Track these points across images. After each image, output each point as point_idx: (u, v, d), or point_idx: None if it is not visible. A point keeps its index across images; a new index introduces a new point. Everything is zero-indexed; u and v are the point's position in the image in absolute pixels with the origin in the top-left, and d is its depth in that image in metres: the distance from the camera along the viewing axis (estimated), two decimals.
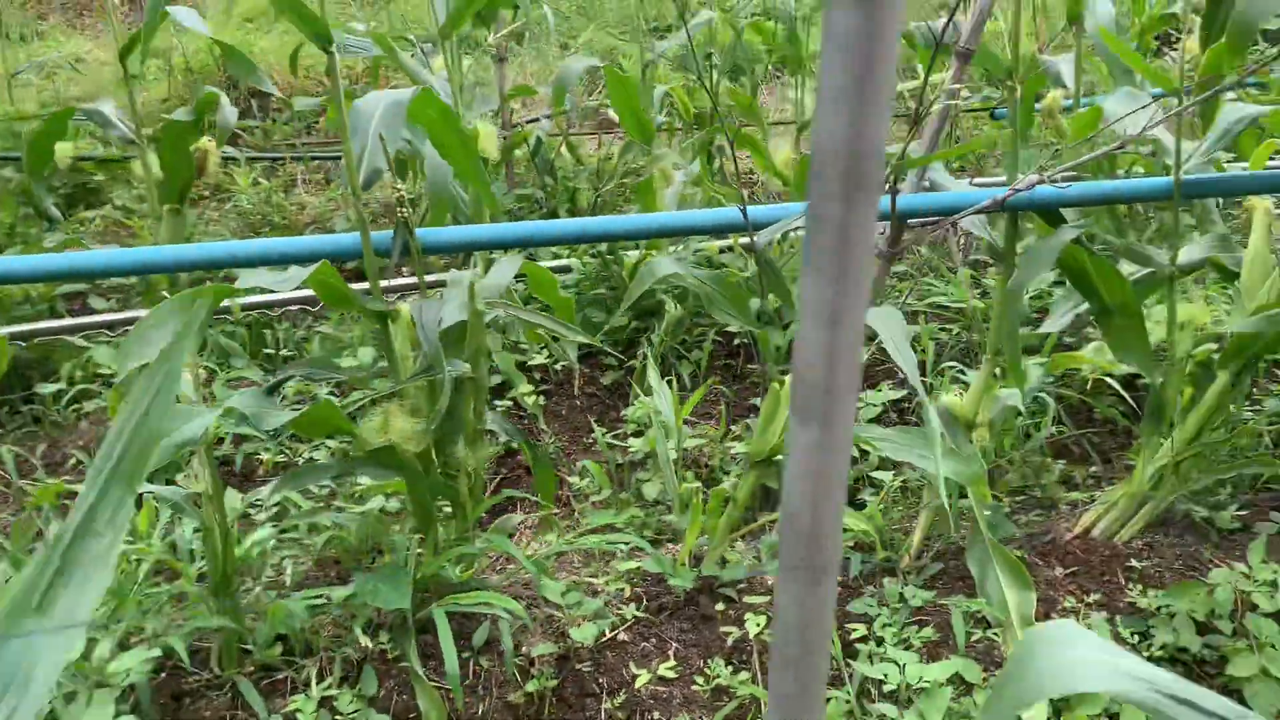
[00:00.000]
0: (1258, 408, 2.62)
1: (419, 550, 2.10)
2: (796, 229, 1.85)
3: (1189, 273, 2.20)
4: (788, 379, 2.08)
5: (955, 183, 2.19)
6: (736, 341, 3.12)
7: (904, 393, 2.90)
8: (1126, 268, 2.20)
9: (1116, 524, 2.27)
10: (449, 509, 2.13)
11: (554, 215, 3.70)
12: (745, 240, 2.03)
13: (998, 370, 2.22)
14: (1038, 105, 3.48)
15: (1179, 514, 2.31)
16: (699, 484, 2.14)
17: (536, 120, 3.84)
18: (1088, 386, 2.71)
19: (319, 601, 2.04)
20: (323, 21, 1.69)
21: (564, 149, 3.96)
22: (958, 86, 1.85)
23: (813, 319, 0.48)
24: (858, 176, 0.45)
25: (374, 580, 1.99)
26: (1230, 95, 4.14)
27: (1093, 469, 2.64)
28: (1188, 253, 2.17)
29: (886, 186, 1.89)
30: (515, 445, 2.83)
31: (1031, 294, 3.10)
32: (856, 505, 2.41)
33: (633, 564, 2.15)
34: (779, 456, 2.31)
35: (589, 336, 1.93)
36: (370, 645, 1.95)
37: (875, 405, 2.81)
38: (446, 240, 1.89)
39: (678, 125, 3.88)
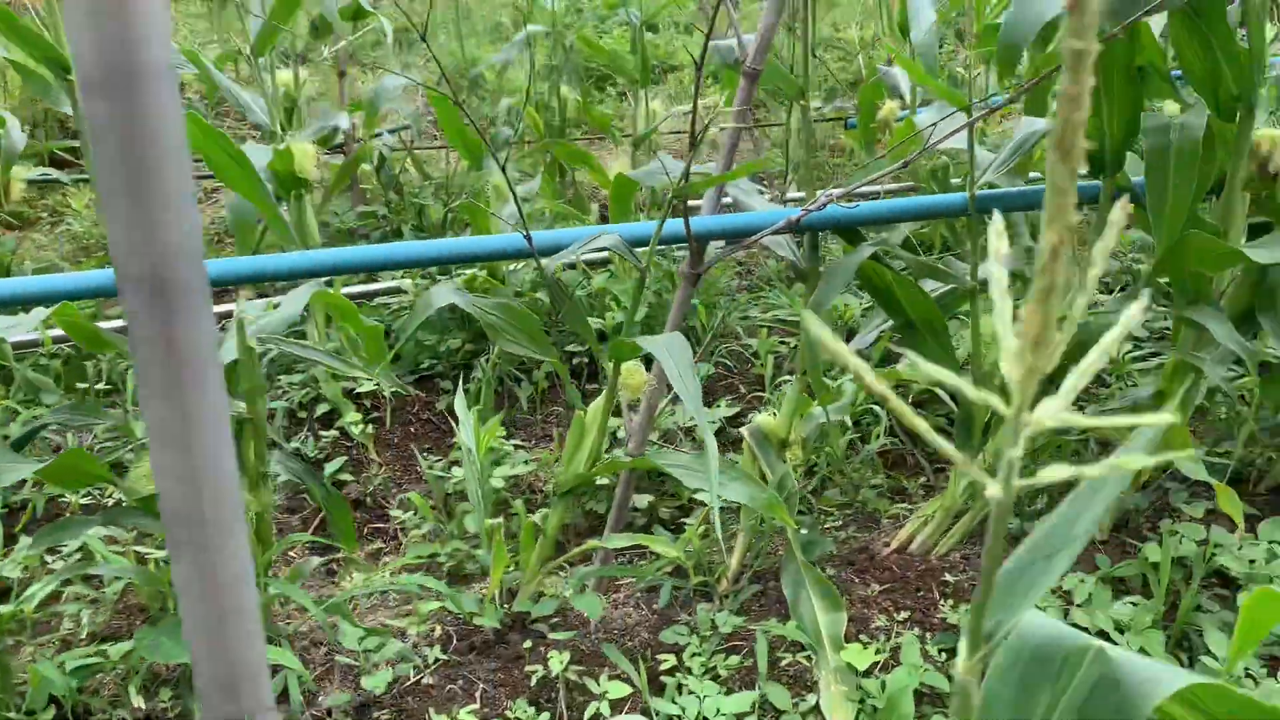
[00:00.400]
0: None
1: None
2: (588, 251, 1.79)
3: None
4: (592, 405, 2.03)
5: (760, 201, 2.16)
6: (576, 361, 3.07)
7: (740, 408, 2.88)
8: (933, 283, 2.20)
9: (934, 537, 2.27)
10: None
11: (398, 233, 3.60)
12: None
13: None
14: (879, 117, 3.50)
15: None
16: (499, 519, 2.07)
17: (380, 135, 3.73)
18: (910, 398, 2.72)
19: (95, 660, 1.92)
20: (52, 46, 1.58)
21: (409, 164, 3.85)
22: (741, 108, 1.82)
23: (161, 444, 0.41)
24: (165, 284, 0.39)
25: (156, 633, 1.87)
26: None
27: (923, 480, 2.65)
28: (989, 267, 2.18)
29: (676, 208, 1.85)
30: (344, 477, 2.74)
31: (869, 305, 3.10)
32: (678, 529, 2.37)
33: (436, 605, 2.07)
34: (591, 485, 2.26)
35: (367, 371, 1.85)
36: (144, 705, 1.84)
37: (713, 422, 2.78)
38: (209, 275, 1.79)
39: (529, 139, 3.81)
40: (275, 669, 1.93)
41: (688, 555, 2.19)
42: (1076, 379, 0.52)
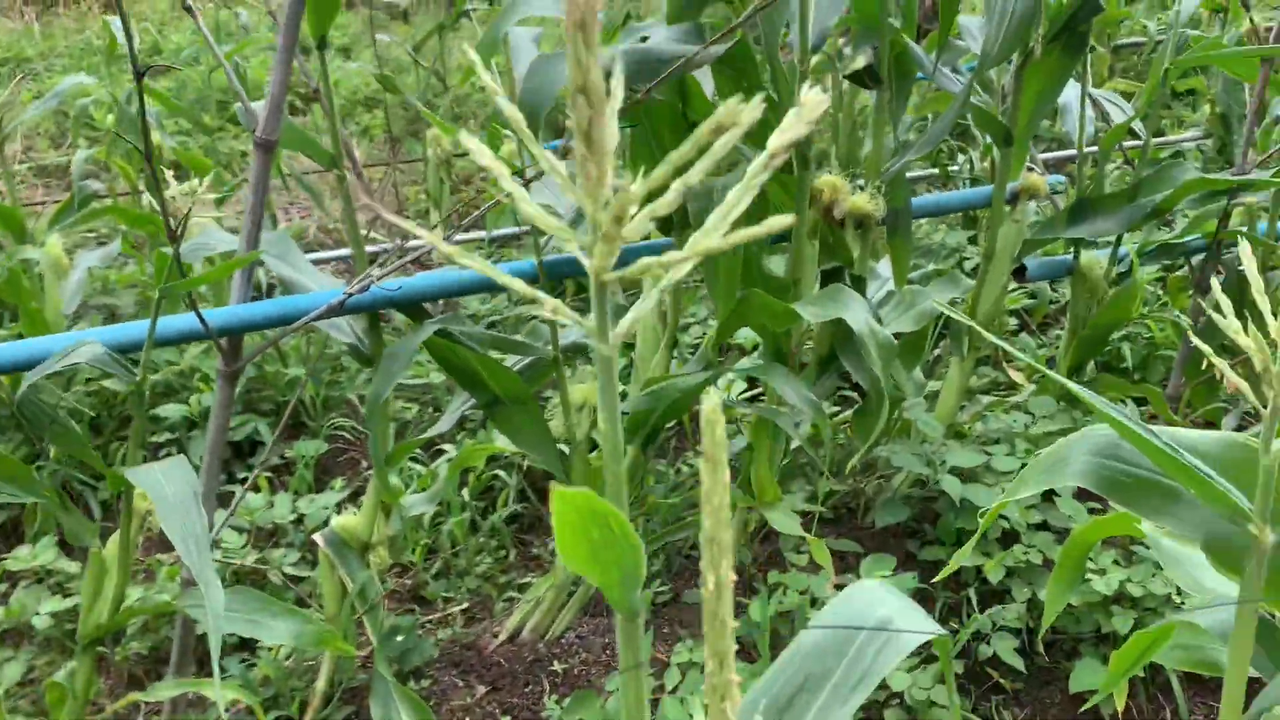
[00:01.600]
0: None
1: None
2: (64, 365, 1.49)
3: (579, 352, 2.10)
4: (111, 540, 1.72)
5: (317, 279, 1.93)
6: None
7: (357, 487, 2.64)
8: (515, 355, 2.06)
9: (547, 619, 2.13)
10: None
11: None
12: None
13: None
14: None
15: None
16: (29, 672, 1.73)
17: None
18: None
19: None
20: None
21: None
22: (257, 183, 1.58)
23: None
24: None
25: None
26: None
27: (552, 545, 2.51)
28: (573, 333, 2.07)
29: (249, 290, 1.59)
30: None
31: None
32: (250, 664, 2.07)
33: None
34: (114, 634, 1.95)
35: None
36: None
37: (325, 509, 2.49)
38: None
39: (121, 192, 3.36)
40: None
41: (265, 686, 1.93)
42: None
